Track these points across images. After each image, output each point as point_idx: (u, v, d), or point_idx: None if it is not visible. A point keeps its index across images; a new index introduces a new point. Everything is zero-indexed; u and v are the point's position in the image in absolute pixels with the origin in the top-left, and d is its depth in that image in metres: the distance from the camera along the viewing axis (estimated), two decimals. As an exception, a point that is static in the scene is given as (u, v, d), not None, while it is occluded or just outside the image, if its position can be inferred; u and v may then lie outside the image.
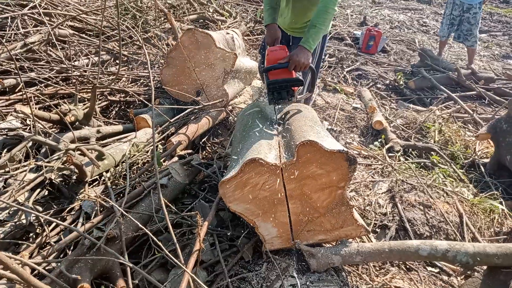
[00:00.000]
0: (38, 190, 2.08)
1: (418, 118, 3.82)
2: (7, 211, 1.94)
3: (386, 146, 3.30)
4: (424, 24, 8.52)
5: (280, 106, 2.27)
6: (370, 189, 2.79)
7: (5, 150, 2.28)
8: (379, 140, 3.48)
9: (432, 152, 3.28)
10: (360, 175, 2.96)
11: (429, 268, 2.20)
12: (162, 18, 4.64)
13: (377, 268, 2.13)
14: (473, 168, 3.12)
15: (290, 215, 1.90)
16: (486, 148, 3.40)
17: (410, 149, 3.35)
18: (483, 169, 3.06)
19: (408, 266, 2.17)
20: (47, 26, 3.14)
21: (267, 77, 2.06)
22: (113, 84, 3.08)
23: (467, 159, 3.21)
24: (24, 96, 2.35)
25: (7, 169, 2.13)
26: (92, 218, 1.89)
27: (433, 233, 2.40)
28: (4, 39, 3.26)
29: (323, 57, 2.83)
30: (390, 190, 2.75)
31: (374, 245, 1.85)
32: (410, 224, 2.45)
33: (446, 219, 2.46)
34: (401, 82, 4.80)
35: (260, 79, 3.97)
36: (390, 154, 3.24)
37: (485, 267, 1.88)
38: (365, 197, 2.72)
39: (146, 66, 3.65)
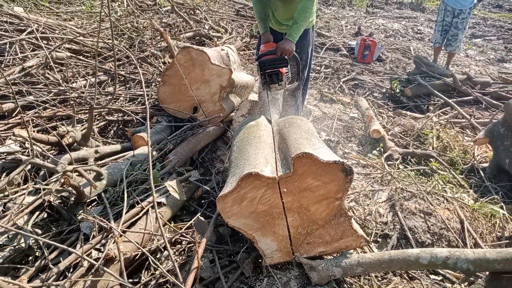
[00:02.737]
0: (37, 213, 2.08)
1: (416, 125, 3.83)
2: (6, 235, 1.94)
3: (385, 155, 3.30)
4: (418, 32, 8.62)
5: (271, 99, 2.85)
6: (370, 199, 2.78)
7: (4, 174, 2.30)
8: (378, 149, 3.48)
9: (431, 159, 3.28)
10: (360, 185, 2.96)
11: (432, 276, 2.18)
12: (159, 37, 4.71)
13: (379, 279, 2.11)
14: (473, 173, 3.11)
15: (289, 228, 1.89)
16: (485, 152, 3.40)
17: (409, 157, 3.35)
18: (482, 174, 3.05)
19: (410, 275, 2.15)
20: (44, 50, 3.19)
21: (261, 60, 2.59)
22: (110, 104, 3.11)
23: (466, 164, 3.21)
24: (24, 119, 2.38)
25: (6, 193, 2.14)
26: (90, 239, 1.89)
27: (434, 240, 2.38)
28: (3, 64, 3.32)
29: (313, 53, 3.66)
30: (390, 198, 2.74)
31: (374, 255, 1.84)
32: (411, 232, 2.43)
33: (447, 225, 2.44)
34: (397, 90, 4.83)
35: (257, 93, 4.01)
36: (389, 162, 3.24)
37: (487, 273, 1.86)
38: (365, 206, 2.71)
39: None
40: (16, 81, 3.06)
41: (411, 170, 3.10)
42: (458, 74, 5.07)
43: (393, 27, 8.76)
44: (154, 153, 2.71)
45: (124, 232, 1.88)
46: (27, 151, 2.46)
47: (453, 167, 3.17)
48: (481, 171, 3.08)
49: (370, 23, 8.90)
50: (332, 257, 2.00)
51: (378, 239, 2.46)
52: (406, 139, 3.62)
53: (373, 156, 3.41)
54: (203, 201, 2.46)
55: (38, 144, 2.43)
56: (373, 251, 2.25)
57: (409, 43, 7.47)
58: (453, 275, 2.15)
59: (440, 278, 2.17)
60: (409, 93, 4.77)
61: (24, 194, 2.07)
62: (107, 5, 2.10)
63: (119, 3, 5.87)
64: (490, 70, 6.19)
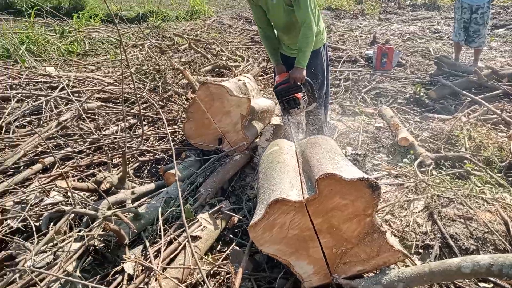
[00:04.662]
0: (84, 257, 2.21)
1: (445, 127, 3.74)
2: (58, 282, 2.06)
3: (416, 162, 3.23)
4: (436, 31, 8.48)
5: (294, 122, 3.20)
6: (406, 209, 2.72)
7: (51, 224, 2.46)
8: (408, 157, 3.42)
9: (465, 161, 3.17)
10: (393, 196, 2.91)
11: (482, 285, 2.09)
12: (180, 75, 4.93)
13: (425, 292, 2.05)
14: (512, 170, 2.98)
15: (323, 250, 1.90)
16: (523, 147, 3.25)
17: (442, 161, 3.26)
18: (522, 170, 2.92)
19: (458, 286, 2.07)
20: (76, 103, 3.43)
21: (277, 90, 2.92)
22: (141, 145, 3.27)
23: (503, 162, 3.08)
24: (62, 171, 2.56)
25: (55, 242, 2.29)
26: (134, 279, 1.98)
27: (479, 246, 2.29)
28: (41, 121, 3.60)
29: (330, 68, 4.11)
30: (427, 207, 2.67)
31: (414, 269, 1.80)
32: (453, 239, 2.35)
33: (491, 228, 2.35)
34: (421, 94, 4.74)
35: (279, 116, 4.09)
36: (421, 170, 3.17)
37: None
38: (402, 218, 2.65)
39: (170, 123, 3.86)
40: (54, 135, 3.30)
41: (445, 175, 3.02)
42: (482, 69, 4.93)
43: (409, 30, 8.67)
44: (186, 186, 2.81)
45: (164, 269, 1.95)
46: (69, 200, 2.63)
47: (490, 167, 3.05)
48: (520, 167, 2.95)
49: (385, 29, 8.86)
50: (372, 275, 1.97)
51: (420, 251, 2.39)
52: (437, 143, 3.54)
53: (404, 164, 3.35)
54: (237, 230, 2.51)
55: (79, 192, 2.59)
56: (416, 264, 2.19)
57: (428, 44, 7.36)
58: (505, 282, 2.05)
59: (491, 285, 2.08)
60: (433, 95, 4.68)
61: (70, 241, 2.21)
62: (125, 56, 2.27)
63: (140, 48, 6.22)
64: (518, 60, 5.96)
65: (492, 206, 2.52)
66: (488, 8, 5.22)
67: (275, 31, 3.19)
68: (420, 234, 2.48)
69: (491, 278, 2.08)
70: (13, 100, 3.66)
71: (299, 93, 2.90)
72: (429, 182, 2.90)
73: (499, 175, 2.95)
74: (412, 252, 2.35)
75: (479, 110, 4.05)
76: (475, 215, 2.46)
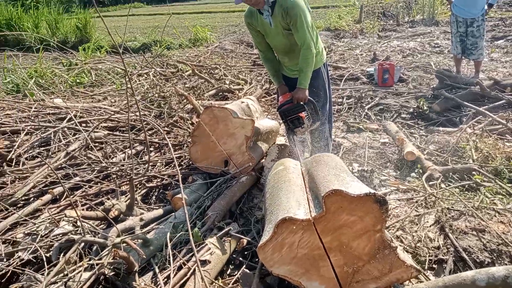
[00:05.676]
0: (95, 287, 2.20)
1: (451, 140, 3.73)
2: (68, 313, 2.05)
3: (424, 176, 3.21)
4: (436, 46, 8.56)
5: (299, 140, 3.24)
6: (417, 224, 2.69)
7: (62, 254, 2.46)
8: (416, 171, 3.40)
9: (473, 172, 3.15)
10: (403, 211, 2.88)
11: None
12: (184, 100, 5.01)
13: (441, 309, 2.00)
14: (522, 179, 2.95)
15: (334, 269, 1.88)
16: (531, 155, 3.22)
17: (450, 174, 3.24)
18: (532, 179, 2.89)
19: (475, 300, 2.02)
20: (83, 133, 3.50)
21: (281, 110, 3.02)
22: (148, 172, 3.30)
23: (512, 172, 3.05)
24: (71, 200, 2.59)
25: (65, 272, 2.29)
26: (145, 306, 1.96)
27: (494, 258, 2.24)
28: (50, 152, 3.66)
29: (332, 87, 4.34)
30: (438, 220, 2.64)
31: (428, 284, 1.77)
32: (466, 253, 2.31)
33: (505, 240, 2.31)
34: (425, 107, 4.75)
35: (284, 136, 4.12)
36: (430, 183, 3.15)
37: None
38: (413, 233, 2.61)
39: (176, 148, 3.90)
40: (62, 166, 3.35)
41: (454, 187, 2.99)
42: (484, 80, 4.95)
43: (409, 46, 8.76)
44: (193, 210, 2.81)
45: (174, 295, 1.93)
46: (79, 229, 2.64)
47: (499, 177, 3.02)
48: (530, 176, 2.91)
49: (385, 46, 8.97)
50: (385, 292, 1.94)
51: (434, 266, 2.35)
52: (444, 156, 3.52)
53: (412, 179, 3.33)
54: (246, 252, 2.49)
55: (88, 221, 2.60)
56: (429, 279, 2.15)
57: (428, 59, 7.42)
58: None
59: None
60: (437, 108, 4.69)
61: (80, 271, 2.21)
62: (130, 84, 2.35)
63: (145, 76, 6.36)
64: (520, 69, 5.98)
65: (504, 217, 2.49)
66: (483, 21, 5.30)
67: (276, 53, 3.26)
68: (433, 249, 2.44)
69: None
70: (23, 132, 3.74)
71: (303, 113, 2.98)
72: (438, 196, 2.87)
73: (509, 185, 2.91)
74: (426, 267, 2.31)
75: (484, 121, 4.04)
76: (488, 226, 2.43)
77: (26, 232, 2.56)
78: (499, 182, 2.94)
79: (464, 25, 5.36)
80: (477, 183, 2.99)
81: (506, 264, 2.20)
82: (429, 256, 2.39)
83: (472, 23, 5.27)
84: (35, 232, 2.55)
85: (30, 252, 2.34)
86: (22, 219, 2.70)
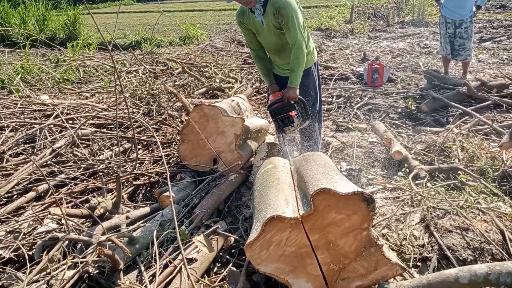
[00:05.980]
0: (78, 285, 2.17)
1: (437, 139, 3.77)
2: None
3: (411, 175, 3.24)
4: (425, 47, 8.66)
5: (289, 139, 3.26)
6: (402, 222, 2.71)
7: (45, 252, 2.42)
8: (403, 170, 3.43)
9: (459, 172, 3.19)
10: (390, 209, 2.90)
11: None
12: (174, 98, 4.97)
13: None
14: (506, 179, 3.00)
15: (321, 267, 1.88)
16: (515, 155, 3.28)
17: (436, 173, 3.28)
18: (516, 178, 2.94)
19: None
20: (70, 130, 3.44)
21: (271, 109, 2.99)
22: (135, 169, 3.27)
23: (496, 171, 3.09)
24: (56, 198, 2.54)
25: (48, 271, 2.25)
26: (130, 305, 1.94)
27: (477, 256, 2.28)
28: (35, 149, 3.60)
29: (322, 86, 4.41)
30: (423, 219, 2.66)
31: (412, 281, 1.78)
32: (450, 251, 2.34)
33: (487, 238, 2.34)
34: (413, 107, 4.80)
35: (273, 134, 4.12)
36: (416, 182, 3.17)
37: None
38: (399, 231, 2.63)
39: (164, 146, 3.87)
40: (48, 163, 3.29)
41: (440, 187, 3.02)
42: (471, 81, 5.02)
43: (399, 46, 8.84)
44: (181, 209, 2.79)
45: (160, 293, 1.92)
46: (63, 227, 2.60)
47: (483, 176, 3.07)
48: (514, 176, 2.96)
49: (375, 47, 9.03)
50: (370, 290, 1.95)
51: (418, 264, 2.37)
52: (430, 155, 3.56)
53: (399, 178, 3.36)
54: (233, 250, 2.48)
55: (73, 219, 2.56)
56: (414, 277, 2.17)
57: (417, 59, 7.50)
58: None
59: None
60: (425, 108, 4.74)
61: (64, 269, 2.17)
62: (119, 81, 2.31)
63: (135, 74, 6.30)
64: (506, 71, 6.07)
65: (487, 216, 2.52)
66: (471, 23, 5.38)
67: (267, 52, 3.26)
68: (417, 246, 2.47)
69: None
70: (7, 129, 3.67)
71: (293, 112, 2.98)
72: (424, 194, 2.90)
73: (493, 184, 2.96)
74: (411, 265, 2.33)
75: (471, 121, 4.10)
76: (471, 225, 2.46)
77: (8, 230, 2.50)
78: (484, 182, 2.98)
79: (452, 26, 5.43)
80: (462, 183, 3.03)
81: (488, 262, 2.23)
82: (414, 254, 2.41)
83: (461, 25, 5.34)
84: (17, 230, 2.50)
85: (11, 250, 2.29)
86: (4, 216, 2.65)
